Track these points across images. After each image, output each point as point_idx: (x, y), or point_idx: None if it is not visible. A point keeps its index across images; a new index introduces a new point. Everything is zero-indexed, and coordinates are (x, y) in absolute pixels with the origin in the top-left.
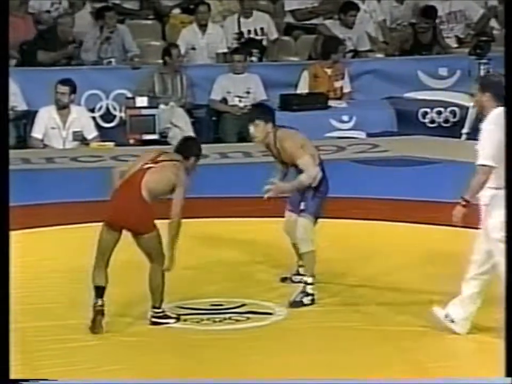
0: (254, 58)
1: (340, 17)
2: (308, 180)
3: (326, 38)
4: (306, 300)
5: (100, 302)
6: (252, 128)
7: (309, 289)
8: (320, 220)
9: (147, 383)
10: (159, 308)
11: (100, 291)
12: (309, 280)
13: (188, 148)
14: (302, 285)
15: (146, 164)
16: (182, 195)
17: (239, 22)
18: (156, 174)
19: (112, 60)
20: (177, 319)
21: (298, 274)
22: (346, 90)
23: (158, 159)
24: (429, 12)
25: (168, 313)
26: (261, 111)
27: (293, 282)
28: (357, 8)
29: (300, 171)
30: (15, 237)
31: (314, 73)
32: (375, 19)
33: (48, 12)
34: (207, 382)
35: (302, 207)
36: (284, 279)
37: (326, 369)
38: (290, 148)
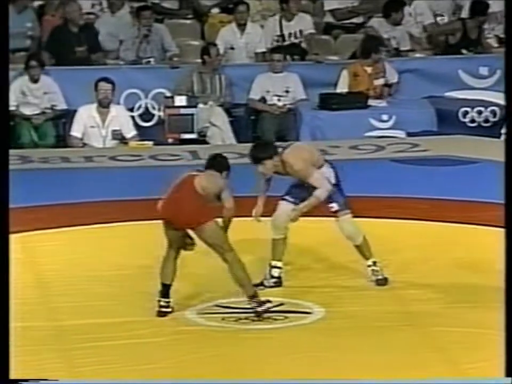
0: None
1: (391, 15)
2: (323, 194)
3: (367, 37)
4: (385, 275)
5: (163, 302)
6: (260, 168)
7: (378, 267)
8: (359, 219)
9: (148, 383)
10: (254, 296)
11: (165, 289)
12: (373, 260)
13: (218, 164)
14: (371, 269)
15: (191, 172)
16: (230, 196)
17: (280, 24)
18: (206, 176)
19: (151, 59)
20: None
21: (271, 277)
22: (393, 80)
23: (201, 170)
24: (481, 8)
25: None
26: (263, 149)
27: (265, 286)
28: (404, 4)
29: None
30: (54, 236)
31: (354, 72)
32: (422, 22)
33: (90, 13)
34: (211, 382)
35: (335, 208)
36: (257, 285)
37: (365, 369)
38: (299, 170)
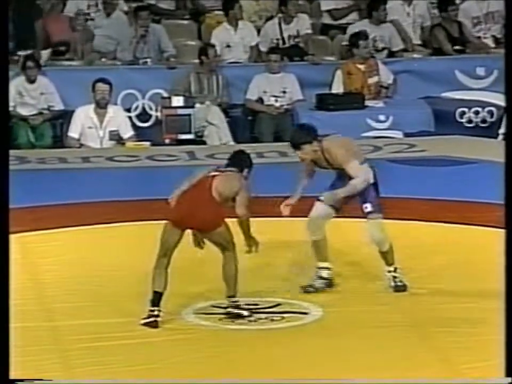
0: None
1: (372, 15)
2: (360, 184)
3: (351, 35)
4: (405, 281)
5: (156, 311)
6: (299, 153)
7: (399, 273)
8: (357, 220)
9: (147, 383)
10: (234, 296)
11: (157, 297)
12: (394, 266)
13: (240, 161)
14: (391, 274)
15: (210, 173)
16: (245, 197)
17: (280, 27)
18: (223, 180)
19: (148, 59)
20: (250, 314)
21: (320, 278)
22: (389, 81)
23: (220, 170)
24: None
25: (241, 305)
26: (303, 134)
27: (316, 288)
28: (385, 2)
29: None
30: (51, 236)
31: (348, 71)
32: (422, 24)
33: (86, 13)
34: (208, 382)
35: (369, 209)
36: (305, 290)
37: (362, 369)
38: (338, 156)
